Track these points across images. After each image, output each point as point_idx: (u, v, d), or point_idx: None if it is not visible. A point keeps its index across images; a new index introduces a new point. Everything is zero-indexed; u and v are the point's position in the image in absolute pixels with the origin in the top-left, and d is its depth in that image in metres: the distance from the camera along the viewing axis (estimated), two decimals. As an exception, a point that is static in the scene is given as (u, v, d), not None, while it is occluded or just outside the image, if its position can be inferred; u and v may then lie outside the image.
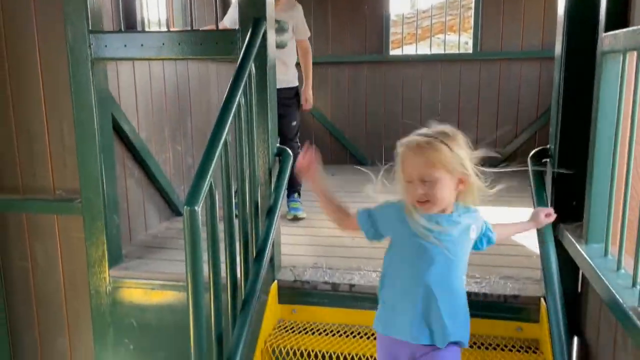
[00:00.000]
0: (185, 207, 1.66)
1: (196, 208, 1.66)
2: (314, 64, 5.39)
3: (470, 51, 5.24)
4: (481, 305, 2.25)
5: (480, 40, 5.08)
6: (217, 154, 1.79)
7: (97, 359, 2.72)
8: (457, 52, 5.67)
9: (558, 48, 2.18)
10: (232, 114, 1.90)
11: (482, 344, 2.19)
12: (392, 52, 5.46)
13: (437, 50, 5.74)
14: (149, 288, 2.65)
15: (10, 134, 2.78)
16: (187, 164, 3.77)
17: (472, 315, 2.24)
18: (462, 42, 5.86)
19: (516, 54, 5.02)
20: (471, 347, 2.17)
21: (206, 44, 2.33)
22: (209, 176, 1.73)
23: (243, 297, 2.02)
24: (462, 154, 1.53)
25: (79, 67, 2.46)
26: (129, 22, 2.98)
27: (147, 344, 2.70)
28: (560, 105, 2.13)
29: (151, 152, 3.22)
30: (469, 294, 2.23)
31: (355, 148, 5.46)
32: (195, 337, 1.71)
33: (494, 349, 2.16)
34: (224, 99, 1.93)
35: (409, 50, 5.71)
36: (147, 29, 3.30)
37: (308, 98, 3.71)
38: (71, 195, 2.75)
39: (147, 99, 3.24)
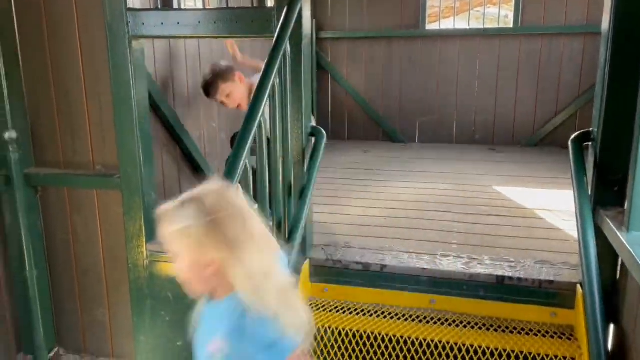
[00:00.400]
0: (220, 187, 1.68)
1: (231, 188, 1.68)
2: (348, 38, 5.37)
3: (511, 25, 5.07)
4: (515, 290, 2.23)
5: (522, 14, 4.91)
6: (252, 135, 1.80)
7: (135, 329, 2.81)
8: (497, 26, 5.49)
9: (605, 24, 2.09)
10: (266, 95, 1.90)
11: (515, 329, 2.17)
12: (429, 27, 5.33)
13: (475, 24, 5.57)
14: (185, 263, 2.71)
15: (52, 110, 2.84)
16: (221, 140, 3.81)
17: (505, 300, 2.24)
18: (501, 15, 5.66)
19: (559, 29, 4.83)
20: (503, 331, 2.16)
21: (242, 22, 2.32)
22: (243, 157, 1.75)
23: (276, 275, 2.05)
24: (200, 236, 1.17)
25: (117, 45, 2.48)
26: (165, 0, 2.99)
27: (183, 316, 2.76)
28: (606, 85, 2.05)
29: (186, 129, 3.26)
30: (502, 278, 2.24)
31: (388, 125, 5.40)
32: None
33: (527, 334, 2.14)
34: (259, 79, 1.93)
35: (447, 24, 5.56)
36: (181, 7, 3.30)
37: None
38: (110, 170, 2.81)
39: (183, 76, 3.27)
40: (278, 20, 2.19)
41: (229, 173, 1.70)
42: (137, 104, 2.57)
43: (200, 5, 3.51)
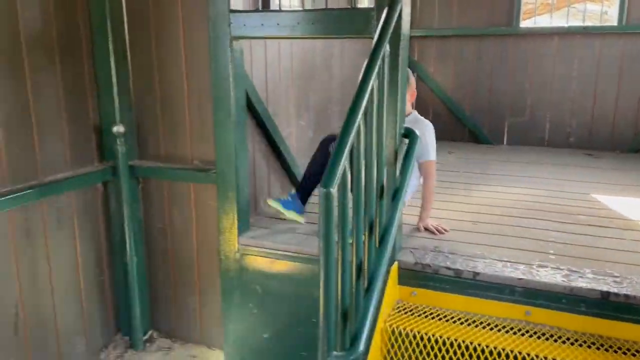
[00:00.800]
0: (321, 189, 1.70)
1: (332, 190, 1.69)
2: (436, 36, 5.26)
3: (612, 23, 4.75)
4: (621, 307, 2.09)
5: (627, 11, 4.58)
6: (351, 139, 1.80)
7: (224, 319, 2.92)
8: (599, 24, 5.16)
9: None
10: (365, 100, 1.89)
11: (620, 348, 2.04)
12: (523, 24, 5.11)
13: (574, 22, 5.27)
14: (274, 257, 2.77)
15: (155, 106, 3.01)
16: (309, 139, 3.86)
17: (609, 317, 2.11)
18: (598, 11, 5.33)
19: (670, 26, 4.47)
20: (607, 350, 2.03)
21: (341, 22, 2.33)
22: (343, 160, 1.76)
23: (367, 278, 2.05)
24: None
25: (218, 45, 2.57)
26: (264, 1, 3.06)
27: (269, 310, 2.85)
28: None
29: (277, 127, 3.33)
30: (607, 294, 2.11)
31: (475, 125, 5.25)
32: (325, 314, 1.77)
33: (633, 354, 2.00)
34: (358, 83, 1.93)
35: (542, 21, 5.30)
36: (281, 9, 3.36)
37: (428, 228, 2.84)
38: (207, 165, 2.94)
39: (276, 75, 3.34)
40: (378, 20, 2.18)
41: (329, 176, 1.72)
42: (235, 103, 2.66)
43: (294, 6, 3.57)
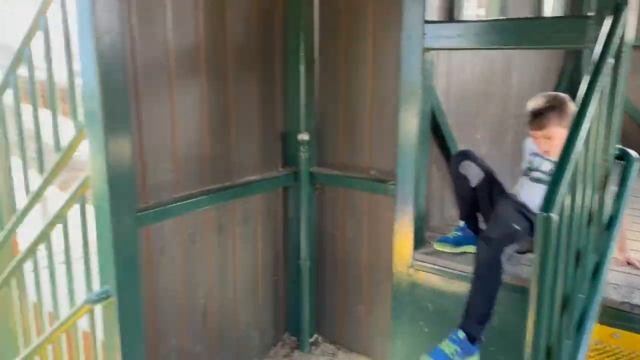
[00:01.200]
0: (540, 212, 1.56)
1: (552, 215, 1.55)
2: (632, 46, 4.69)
3: None
4: None
5: None
6: (573, 164, 1.64)
7: (393, 333, 2.87)
8: None
9: None
10: (589, 121, 1.71)
11: None
12: None
13: None
14: (449, 277, 2.65)
15: (337, 117, 3.07)
16: (481, 153, 3.66)
17: None
18: None
19: None
20: None
21: (551, 32, 2.15)
22: (564, 185, 1.60)
23: (574, 314, 1.85)
24: None
25: (410, 57, 2.52)
26: (453, 11, 2.96)
27: (441, 330, 2.72)
28: None
29: (455, 141, 3.21)
30: None
31: (671, 146, 4.60)
32: (533, 350, 1.62)
33: None
34: (580, 102, 1.75)
35: None
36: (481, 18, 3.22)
37: (632, 263, 2.50)
38: (384, 176, 2.92)
39: (457, 87, 3.22)
40: (595, 30, 1.98)
41: (549, 200, 1.57)
42: (421, 116, 2.59)
43: (481, 16, 3.42)
